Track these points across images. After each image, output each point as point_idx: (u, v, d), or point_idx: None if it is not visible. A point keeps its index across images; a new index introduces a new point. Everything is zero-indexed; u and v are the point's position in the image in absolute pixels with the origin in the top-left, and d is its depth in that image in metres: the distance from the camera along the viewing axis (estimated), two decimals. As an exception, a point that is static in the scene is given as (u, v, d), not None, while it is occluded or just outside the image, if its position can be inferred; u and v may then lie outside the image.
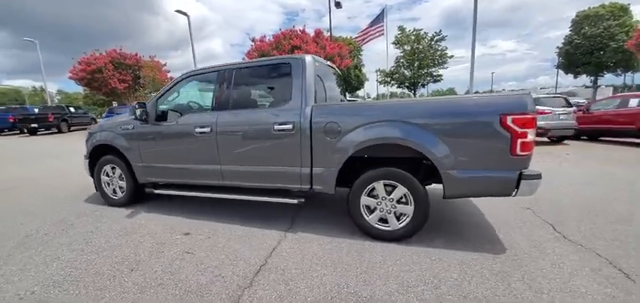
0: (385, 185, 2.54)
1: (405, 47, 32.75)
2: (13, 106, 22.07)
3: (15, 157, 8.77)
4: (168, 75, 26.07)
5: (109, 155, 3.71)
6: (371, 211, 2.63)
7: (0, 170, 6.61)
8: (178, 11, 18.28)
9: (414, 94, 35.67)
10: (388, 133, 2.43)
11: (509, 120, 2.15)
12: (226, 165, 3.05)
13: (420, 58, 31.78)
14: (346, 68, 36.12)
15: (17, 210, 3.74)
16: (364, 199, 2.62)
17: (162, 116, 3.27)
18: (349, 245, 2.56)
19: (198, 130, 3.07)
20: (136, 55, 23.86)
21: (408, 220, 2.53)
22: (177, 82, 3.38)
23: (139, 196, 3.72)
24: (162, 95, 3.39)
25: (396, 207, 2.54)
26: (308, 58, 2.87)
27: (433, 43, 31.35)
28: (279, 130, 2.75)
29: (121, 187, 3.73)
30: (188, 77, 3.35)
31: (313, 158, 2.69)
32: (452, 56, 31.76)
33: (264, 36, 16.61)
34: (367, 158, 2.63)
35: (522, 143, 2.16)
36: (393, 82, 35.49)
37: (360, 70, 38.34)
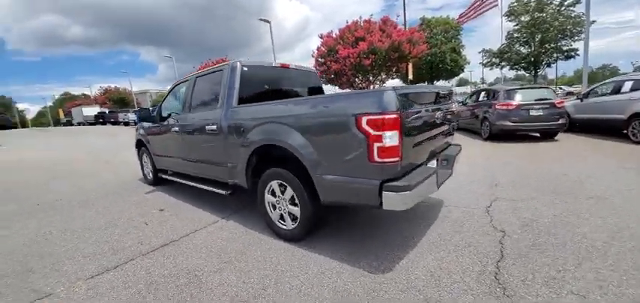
0: (279, 185, 2.65)
1: (522, 18, 26.66)
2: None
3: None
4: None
5: (144, 147, 5.13)
6: (275, 208, 2.79)
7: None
8: (262, 19, 21.19)
9: (535, 76, 28.68)
10: (270, 134, 2.54)
11: (364, 121, 1.92)
12: (187, 158, 3.79)
13: (543, 30, 25.20)
14: (442, 52, 32.68)
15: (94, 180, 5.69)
16: (268, 197, 2.80)
17: (163, 117, 4.31)
18: (253, 238, 2.82)
19: (174, 128, 3.93)
20: (288, 64, 28.86)
21: (297, 221, 2.57)
22: (171, 90, 4.35)
23: (161, 179, 4.95)
24: (164, 100, 4.44)
25: (288, 207, 2.62)
26: (235, 65, 3.21)
27: (562, 8, 24.26)
28: (209, 130, 3.25)
29: (151, 171, 5.10)
30: (175, 85, 4.28)
31: (231, 155, 3.06)
32: (594, 22, 23.74)
33: (331, 31, 17.16)
34: (271, 156, 2.79)
35: (379, 148, 1.89)
36: (502, 63, 29.62)
37: (459, 53, 33.75)
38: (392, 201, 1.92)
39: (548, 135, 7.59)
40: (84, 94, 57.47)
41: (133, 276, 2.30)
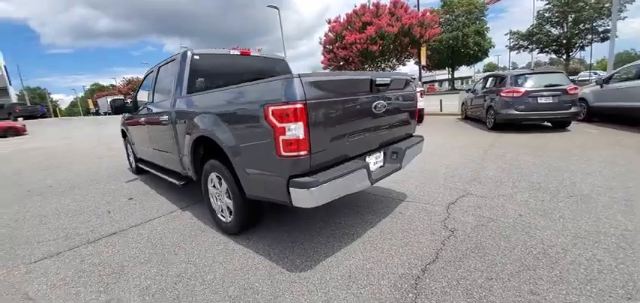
0: (217, 177, 2.61)
1: (555, -4, 24.55)
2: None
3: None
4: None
5: (126, 137, 5.28)
6: (216, 200, 2.76)
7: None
8: (270, 6, 21.03)
9: (567, 60, 26.47)
10: (205, 125, 2.48)
11: (270, 112, 1.81)
12: (153, 148, 3.85)
13: (576, 9, 23.03)
14: (464, 36, 30.90)
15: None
16: (210, 188, 2.78)
17: (136, 107, 4.40)
18: (195, 230, 2.82)
19: (141, 118, 4.00)
20: (249, 51, 29.10)
21: (233, 215, 2.53)
22: (143, 80, 4.41)
23: (140, 169, 5.10)
24: (137, 90, 4.52)
25: (225, 200, 2.58)
26: (186, 53, 3.16)
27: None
28: (162, 120, 3.26)
29: (133, 160, 5.26)
30: (146, 75, 4.32)
31: (181, 146, 3.05)
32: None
33: (339, 16, 16.71)
34: (212, 147, 2.73)
35: (284, 141, 1.77)
36: (531, 46, 27.55)
37: (483, 36, 31.79)
38: (300, 198, 1.81)
39: (559, 125, 6.98)
40: (112, 85, 60.71)
41: (67, 263, 2.38)
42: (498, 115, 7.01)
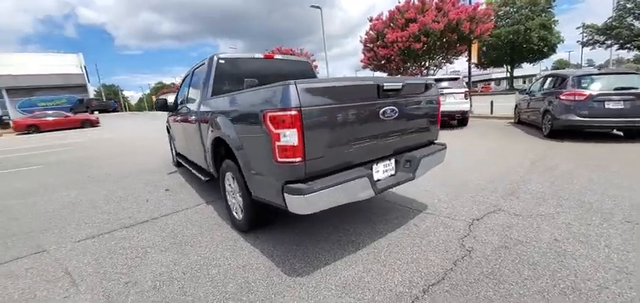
0: (232, 176, 2.75)
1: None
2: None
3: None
4: (314, 63, 31.19)
5: (169, 133, 5.86)
6: (232, 198, 2.91)
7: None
8: (313, 6, 21.33)
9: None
10: (220, 127, 2.62)
11: (268, 118, 1.85)
12: (186, 145, 4.21)
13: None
14: (527, 30, 27.75)
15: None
16: (227, 187, 2.94)
17: (176, 106, 4.85)
18: (214, 224, 3.02)
19: (179, 117, 4.39)
20: (291, 50, 29.99)
21: (243, 213, 2.64)
22: (182, 81, 4.83)
23: (179, 163, 5.59)
24: (178, 91, 4.97)
25: (238, 198, 2.71)
26: (213, 58, 3.37)
27: None
28: (190, 119, 3.54)
29: (174, 154, 5.81)
30: (185, 78, 4.72)
31: (204, 143, 3.28)
32: None
33: (381, 14, 16.28)
34: (229, 148, 2.89)
35: (280, 147, 1.80)
36: (608, 41, 23.67)
37: (550, 30, 28.24)
38: (295, 204, 1.83)
39: (633, 135, 5.90)
40: (173, 83, 67.54)
41: (103, 244, 2.73)
42: (556, 120, 6.19)
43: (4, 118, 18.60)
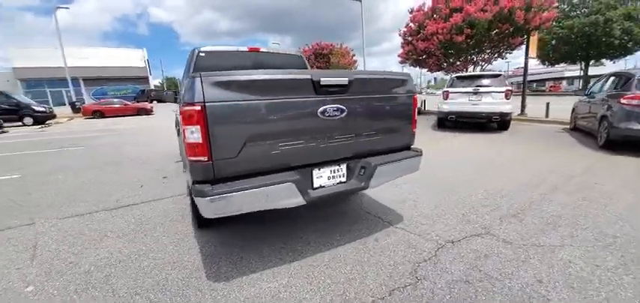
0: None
1: None
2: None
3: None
4: (353, 58, 30.60)
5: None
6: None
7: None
8: (352, -2, 20.82)
9: None
10: (177, 120, 2.63)
11: (181, 113, 1.77)
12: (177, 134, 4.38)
13: None
14: (607, 21, 23.46)
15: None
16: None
17: (175, 97, 5.10)
18: (180, 216, 3.08)
19: (175, 108, 4.59)
20: (332, 44, 29.82)
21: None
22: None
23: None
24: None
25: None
26: (194, 51, 3.41)
27: None
28: (174, 110, 3.64)
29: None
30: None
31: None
32: None
33: (423, 4, 15.16)
34: None
35: (187, 144, 1.72)
36: None
37: (637, 21, 23.49)
38: (201, 206, 1.72)
39: None
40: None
41: (77, 224, 2.95)
42: (614, 128, 5.08)
43: (77, 103, 21.81)
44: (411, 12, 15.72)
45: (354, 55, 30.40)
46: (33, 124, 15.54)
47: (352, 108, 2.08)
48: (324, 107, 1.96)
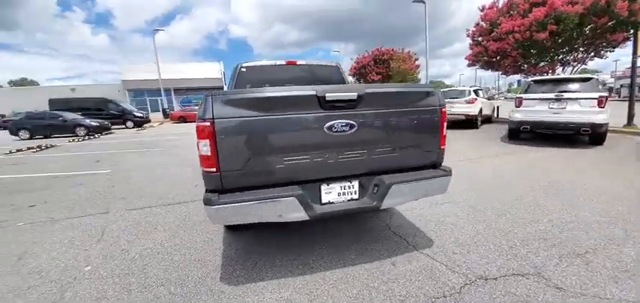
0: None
1: None
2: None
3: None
4: (416, 62, 29.07)
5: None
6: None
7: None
8: (415, 1, 19.90)
9: None
10: None
11: (196, 127, 1.93)
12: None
13: None
14: None
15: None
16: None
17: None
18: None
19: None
20: (392, 49, 28.95)
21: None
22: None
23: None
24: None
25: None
26: (237, 66, 3.71)
27: None
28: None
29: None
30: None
31: None
32: None
33: (497, 1, 13.57)
34: None
35: (200, 157, 1.86)
36: None
37: None
38: (209, 213, 1.85)
39: None
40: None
41: (138, 216, 3.49)
42: None
43: (167, 110, 25.90)
44: (481, 10, 14.24)
45: (417, 60, 28.95)
46: (133, 127, 19.00)
47: (364, 123, 2.00)
48: (331, 122, 1.92)
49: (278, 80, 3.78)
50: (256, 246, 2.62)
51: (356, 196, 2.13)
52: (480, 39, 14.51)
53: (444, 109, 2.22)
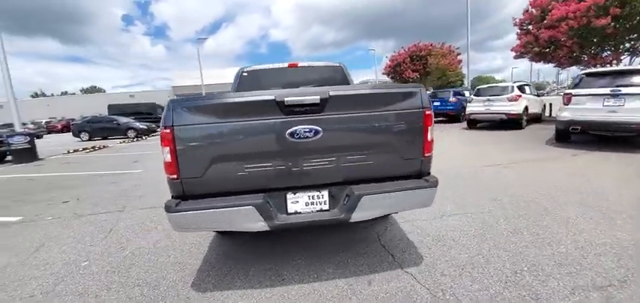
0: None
1: None
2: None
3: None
4: (458, 57, 27.18)
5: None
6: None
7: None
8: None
9: None
10: None
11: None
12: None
13: None
14: None
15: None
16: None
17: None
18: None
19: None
20: (431, 44, 27.46)
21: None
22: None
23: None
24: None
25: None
26: (239, 71, 3.77)
27: None
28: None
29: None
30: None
31: None
32: None
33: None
34: None
35: (164, 163, 1.88)
36: None
37: None
38: (168, 220, 1.88)
39: None
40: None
41: (144, 216, 3.72)
42: None
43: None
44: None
45: (459, 54, 27.03)
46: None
47: (331, 128, 1.87)
48: (294, 128, 1.83)
49: (278, 83, 3.75)
50: (238, 252, 2.62)
51: (326, 207, 2.00)
52: (529, 27, 13.08)
53: (428, 112, 1.99)
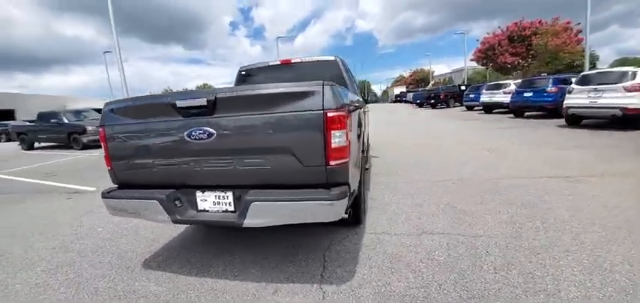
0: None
1: None
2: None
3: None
4: (577, 36, 21.31)
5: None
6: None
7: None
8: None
9: None
10: None
11: None
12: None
13: None
14: None
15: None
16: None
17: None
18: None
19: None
20: (539, 21, 22.43)
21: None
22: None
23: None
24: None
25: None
26: (238, 71, 4.01)
27: None
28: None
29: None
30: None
31: None
32: None
33: None
34: None
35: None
36: None
37: None
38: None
39: None
40: (401, 76, 73.57)
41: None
42: None
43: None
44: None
45: (579, 33, 21.09)
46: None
47: (223, 131, 1.87)
48: (190, 130, 1.91)
49: (273, 80, 3.84)
50: (196, 244, 2.82)
51: (231, 209, 2.03)
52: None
53: (332, 114, 1.75)
